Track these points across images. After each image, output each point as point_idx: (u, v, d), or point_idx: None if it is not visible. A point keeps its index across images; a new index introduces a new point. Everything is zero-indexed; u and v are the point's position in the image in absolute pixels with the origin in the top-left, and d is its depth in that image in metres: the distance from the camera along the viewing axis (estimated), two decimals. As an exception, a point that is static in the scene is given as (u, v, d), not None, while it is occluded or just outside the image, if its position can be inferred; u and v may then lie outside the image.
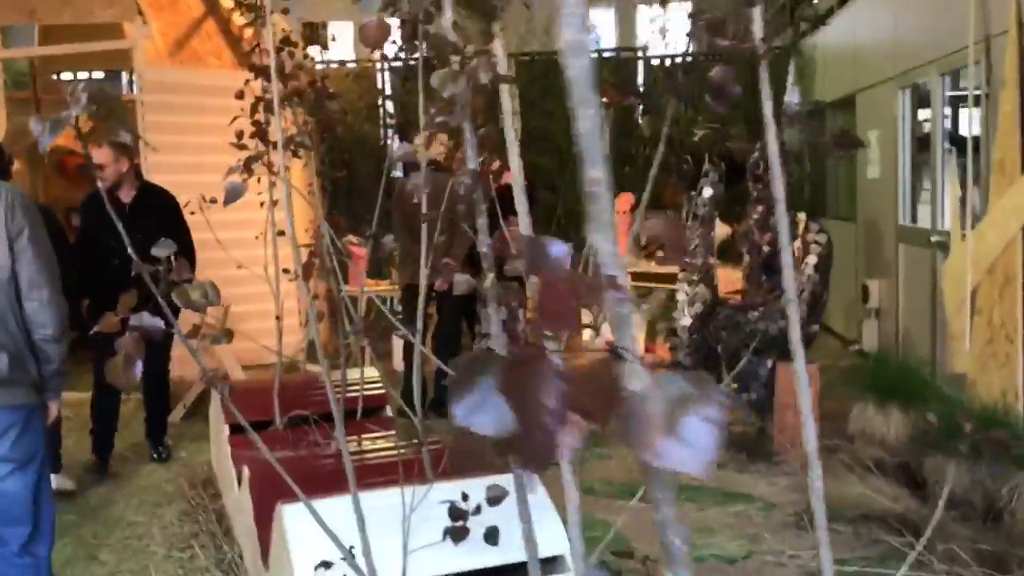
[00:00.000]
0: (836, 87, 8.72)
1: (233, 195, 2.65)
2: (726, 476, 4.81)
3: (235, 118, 4.29)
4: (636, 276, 7.71)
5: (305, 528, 2.45)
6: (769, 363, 4.96)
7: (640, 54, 11.21)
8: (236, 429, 4.10)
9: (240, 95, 4.32)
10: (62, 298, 2.80)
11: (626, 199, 7.93)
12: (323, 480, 3.00)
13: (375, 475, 3.09)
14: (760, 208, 5.46)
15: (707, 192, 5.24)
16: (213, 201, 3.32)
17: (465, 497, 2.35)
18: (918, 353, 6.23)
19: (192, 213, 4.79)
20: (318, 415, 4.00)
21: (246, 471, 3.65)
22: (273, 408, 4.27)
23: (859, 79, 7.93)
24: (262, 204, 4.76)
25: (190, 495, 4.79)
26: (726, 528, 4.25)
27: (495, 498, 2.24)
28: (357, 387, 4.34)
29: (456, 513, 2.35)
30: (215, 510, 4.52)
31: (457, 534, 2.37)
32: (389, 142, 10.93)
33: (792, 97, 10.15)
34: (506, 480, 2.14)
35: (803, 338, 4.66)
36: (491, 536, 2.44)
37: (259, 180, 3.94)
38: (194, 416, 6.20)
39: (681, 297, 5.16)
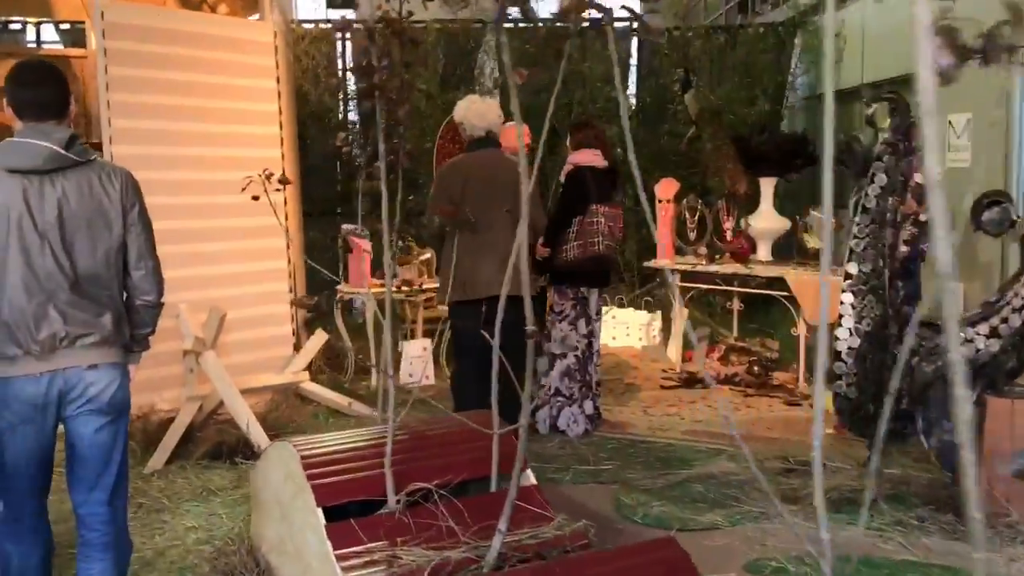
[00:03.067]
0: (887, 66, 7.69)
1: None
2: (941, 545, 3.71)
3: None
4: (692, 276, 6.61)
5: None
6: (973, 396, 3.86)
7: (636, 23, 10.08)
8: (330, 512, 2.98)
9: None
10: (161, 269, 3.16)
11: (668, 185, 6.82)
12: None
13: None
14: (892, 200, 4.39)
15: (880, 179, 4.14)
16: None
17: None
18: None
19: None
20: (441, 486, 2.97)
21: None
22: (381, 481, 3.05)
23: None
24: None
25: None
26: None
27: None
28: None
29: None
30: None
31: None
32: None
33: (797, 77, 9.15)
34: None
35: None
36: None
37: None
38: (179, 461, 4.90)
39: (847, 312, 4.05)
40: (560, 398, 5.28)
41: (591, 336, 5.29)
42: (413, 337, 6.99)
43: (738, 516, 4.06)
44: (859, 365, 3.95)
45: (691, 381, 6.49)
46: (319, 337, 5.77)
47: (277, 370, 5.98)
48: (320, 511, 2.95)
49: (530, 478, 3.27)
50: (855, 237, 5.33)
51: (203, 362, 5.07)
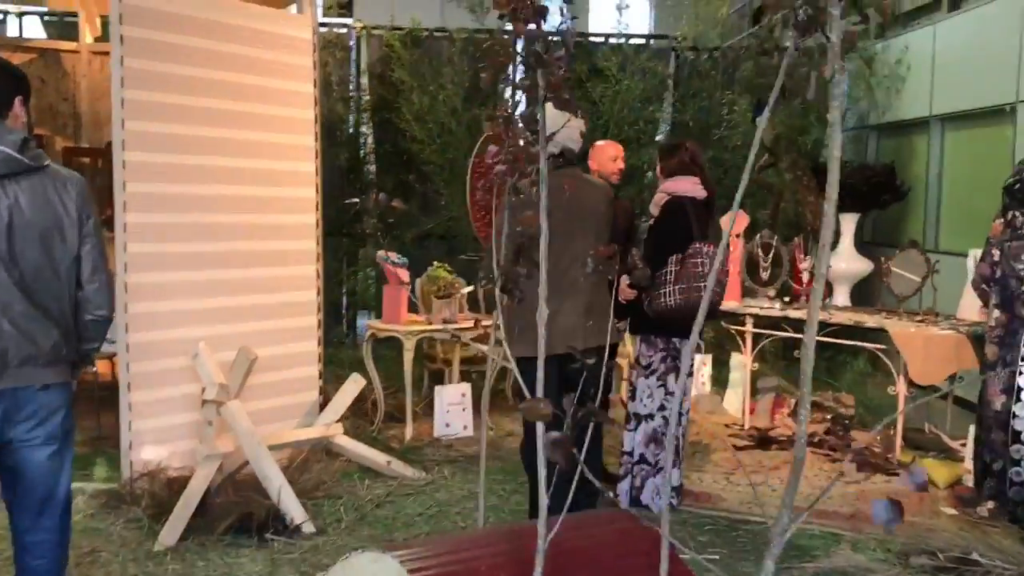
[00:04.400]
0: (964, 96, 7.07)
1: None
2: None
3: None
4: (762, 321, 5.89)
5: None
6: None
7: (676, 42, 9.36)
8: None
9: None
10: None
11: (740, 220, 6.12)
12: None
13: None
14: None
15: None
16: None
17: None
18: None
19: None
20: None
21: None
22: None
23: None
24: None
25: None
26: None
27: None
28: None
29: None
30: None
31: None
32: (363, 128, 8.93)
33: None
34: None
35: None
36: None
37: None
38: (197, 536, 4.05)
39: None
40: (645, 466, 4.51)
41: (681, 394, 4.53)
42: (447, 380, 6.19)
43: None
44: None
45: (765, 441, 5.76)
46: (354, 384, 4.96)
47: (301, 417, 5.16)
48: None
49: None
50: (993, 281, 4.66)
51: (226, 414, 4.25)
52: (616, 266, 4.27)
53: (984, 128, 7.21)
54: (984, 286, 4.72)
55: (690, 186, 4.42)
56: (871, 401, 6.58)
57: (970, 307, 5.60)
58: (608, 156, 5.15)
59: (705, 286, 4.22)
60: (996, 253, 4.65)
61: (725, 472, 5.23)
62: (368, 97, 8.87)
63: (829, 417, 6.05)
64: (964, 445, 5.49)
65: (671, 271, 4.32)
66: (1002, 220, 4.69)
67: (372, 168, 9.01)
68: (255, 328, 4.89)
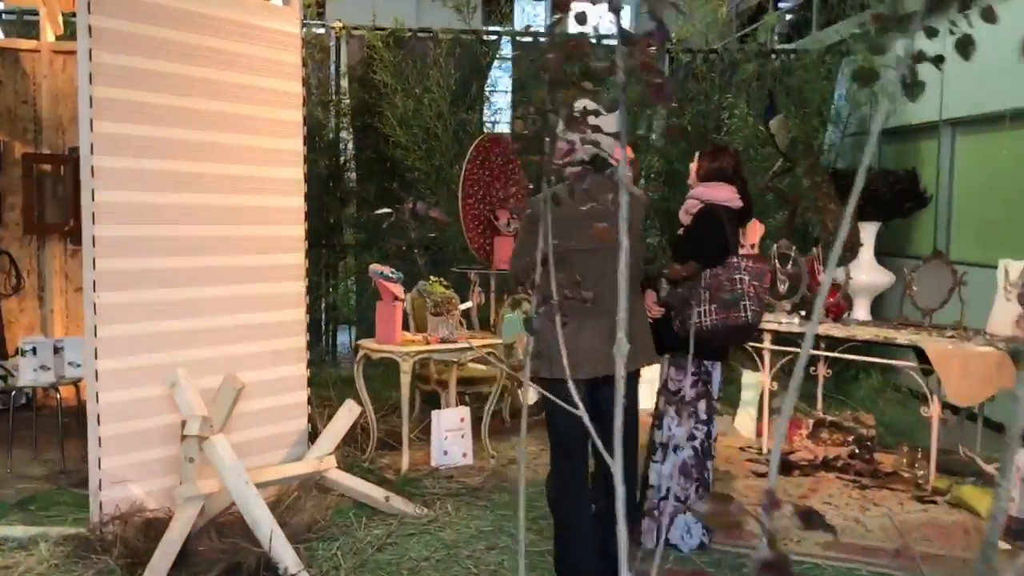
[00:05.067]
0: (973, 102, 6.77)
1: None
2: None
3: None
4: (781, 337, 5.51)
5: None
6: None
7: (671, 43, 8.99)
8: None
9: None
10: None
11: (754, 228, 5.74)
12: None
13: None
14: None
15: None
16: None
17: None
18: None
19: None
20: None
21: None
22: None
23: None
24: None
25: None
26: None
27: None
28: None
29: None
30: None
31: None
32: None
33: (845, 109, 8.18)
34: None
35: None
36: None
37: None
38: None
39: None
40: (674, 502, 4.11)
41: (710, 422, 4.14)
42: (442, 404, 5.75)
43: None
44: None
45: (786, 466, 5.38)
46: (349, 412, 4.50)
47: (288, 448, 4.71)
48: None
49: None
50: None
51: (210, 450, 3.78)
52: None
53: (997, 133, 6.93)
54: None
55: (729, 194, 4.02)
56: (889, 420, 6.24)
57: (1003, 321, 5.28)
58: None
59: (745, 305, 3.86)
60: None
61: (751, 503, 4.84)
62: (348, 101, 8.42)
63: (851, 439, 5.68)
64: (999, 469, 5.16)
65: (707, 287, 3.93)
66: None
67: (353, 176, 8.57)
68: (238, 351, 4.43)
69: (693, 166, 4.21)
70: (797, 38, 10.09)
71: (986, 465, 5.18)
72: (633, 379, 3.71)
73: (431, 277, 5.34)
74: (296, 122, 4.71)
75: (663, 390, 4.15)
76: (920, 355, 5.35)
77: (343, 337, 8.83)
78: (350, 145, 8.51)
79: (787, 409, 1.32)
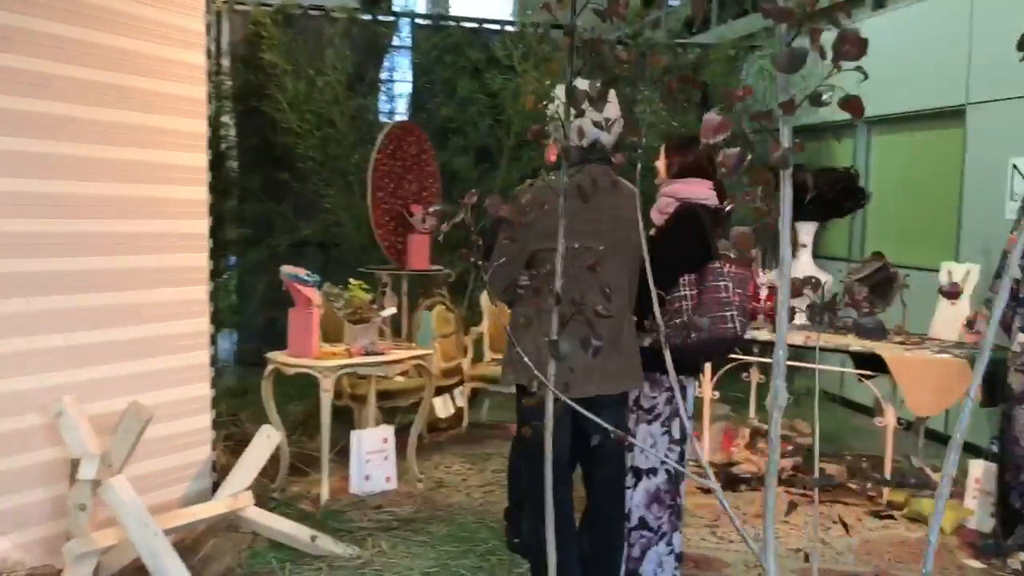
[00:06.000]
0: (897, 100, 6.69)
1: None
2: None
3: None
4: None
5: None
6: None
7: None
8: None
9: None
10: None
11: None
12: None
13: None
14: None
15: None
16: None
17: None
18: None
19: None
20: None
21: None
22: None
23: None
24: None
25: None
26: None
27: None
28: None
29: None
30: None
31: None
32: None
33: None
34: None
35: None
36: None
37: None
38: None
39: None
40: (646, 533, 3.67)
41: (683, 442, 3.73)
42: (358, 421, 5.15)
43: None
44: None
45: (732, 480, 5.06)
46: (267, 441, 3.86)
47: (191, 481, 4.02)
48: None
49: None
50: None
51: (108, 495, 3.10)
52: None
53: (913, 132, 6.87)
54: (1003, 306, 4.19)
55: (705, 191, 3.61)
56: (821, 427, 6.03)
57: (946, 325, 5.13)
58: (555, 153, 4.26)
59: (732, 315, 3.47)
60: (1016, 269, 4.14)
61: (708, 524, 4.49)
62: (230, 83, 7.63)
63: (790, 448, 5.43)
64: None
65: (687, 296, 3.51)
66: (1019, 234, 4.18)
67: (235, 164, 7.79)
68: (130, 370, 3.72)
69: (661, 163, 3.78)
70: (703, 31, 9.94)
71: (935, 475, 5.00)
72: (622, 402, 3.28)
73: (351, 280, 4.73)
74: (198, 99, 4.03)
75: (636, 408, 3.71)
76: (859, 361, 5.15)
77: (224, 344, 8.04)
78: (232, 131, 7.73)
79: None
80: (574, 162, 3.16)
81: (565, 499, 3.07)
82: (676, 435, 3.69)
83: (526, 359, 2.99)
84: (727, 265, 3.52)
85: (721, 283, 3.49)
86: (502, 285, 3.11)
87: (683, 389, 3.68)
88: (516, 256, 3.07)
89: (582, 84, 2.84)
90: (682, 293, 3.50)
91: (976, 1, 5.91)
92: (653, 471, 3.67)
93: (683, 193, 3.61)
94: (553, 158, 3.85)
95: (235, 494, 3.73)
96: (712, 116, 1.83)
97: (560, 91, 3.49)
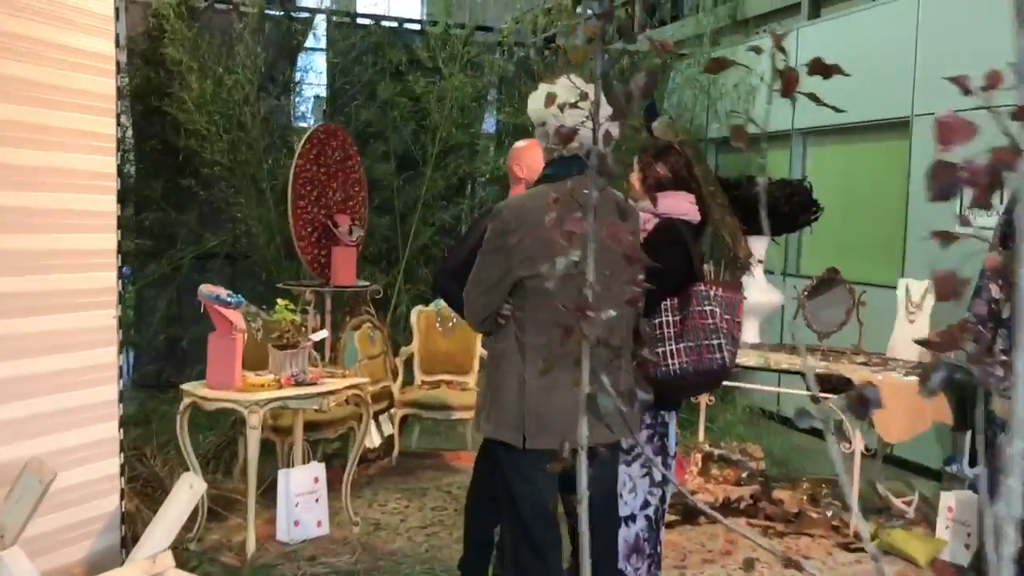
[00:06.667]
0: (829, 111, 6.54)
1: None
2: None
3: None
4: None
5: None
6: None
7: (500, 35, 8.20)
8: None
9: None
10: None
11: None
12: None
13: None
14: None
15: None
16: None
17: None
18: None
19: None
20: None
21: None
22: None
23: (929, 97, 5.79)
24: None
25: None
26: None
27: None
28: None
29: None
30: None
31: None
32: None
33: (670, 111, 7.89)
34: None
35: None
36: None
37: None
38: None
39: None
40: (625, 585, 3.31)
41: (665, 483, 3.37)
42: (282, 459, 4.63)
43: None
44: None
45: (689, 512, 4.75)
46: (189, 492, 3.32)
47: (96, 538, 3.46)
48: None
49: None
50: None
51: (3, 571, 2.54)
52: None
53: (848, 145, 6.73)
54: (980, 327, 3.99)
55: (687, 206, 3.28)
56: (768, 449, 5.80)
57: (904, 344, 4.94)
58: (532, 156, 3.83)
59: (720, 344, 3.13)
60: (995, 289, 3.94)
61: (676, 566, 4.15)
62: (127, 80, 6.97)
63: (744, 475, 5.15)
64: (910, 504, 4.80)
65: (669, 322, 3.15)
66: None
67: (132, 170, 7.12)
68: (28, 412, 3.15)
69: (635, 176, 3.42)
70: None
71: (901, 504, 4.79)
72: (615, 453, 2.90)
73: (279, 301, 4.21)
74: (107, 94, 3.47)
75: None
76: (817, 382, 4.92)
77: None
78: (129, 132, 7.06)
79: None
80: (564, 173, 2.78)
81: (554, 564, 2.68)
82: (658, 477, 3.34)
83: (537, 416, 2.60)
84: (714, 287, 3.19)
85: (707, 307, 3.14)
86: (481, 316, 2.69)
87: (665, 425, 3.32)
88: (499, 281, 2.65)
89: (564, 86, 2.48)
90: (663, 319, 3.15)
91: (922, 11, 5.79)
92: (632, 518, 3.30)
93: (664, 208, 3.26)
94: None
95: (152, 556, 3.19)
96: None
97: (536, 94, 3.12)
